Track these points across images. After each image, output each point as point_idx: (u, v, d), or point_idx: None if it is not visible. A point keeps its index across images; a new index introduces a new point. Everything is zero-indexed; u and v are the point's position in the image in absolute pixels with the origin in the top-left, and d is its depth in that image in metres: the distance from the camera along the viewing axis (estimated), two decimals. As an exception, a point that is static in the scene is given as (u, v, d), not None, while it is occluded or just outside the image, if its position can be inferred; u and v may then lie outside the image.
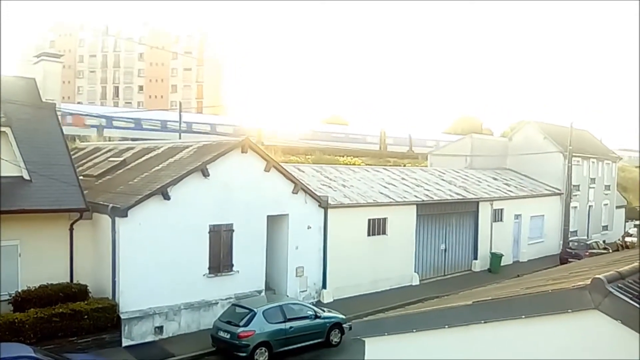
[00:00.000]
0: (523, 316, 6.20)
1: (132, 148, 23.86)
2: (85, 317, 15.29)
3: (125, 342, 16.14)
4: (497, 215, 30.71)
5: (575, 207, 37.42)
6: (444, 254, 27.72)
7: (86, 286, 16.45)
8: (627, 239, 32.48)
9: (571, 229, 35.53)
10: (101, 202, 16.94)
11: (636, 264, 6.49)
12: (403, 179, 28.83)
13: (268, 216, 19.80)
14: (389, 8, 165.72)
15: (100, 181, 19.93)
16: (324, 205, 21.52)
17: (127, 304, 16.23)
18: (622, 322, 5.20)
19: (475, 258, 29.42)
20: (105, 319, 15.68)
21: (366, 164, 40.51)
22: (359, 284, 22.74)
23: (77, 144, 31.01)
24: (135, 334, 16.39)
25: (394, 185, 26.97)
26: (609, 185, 43.42)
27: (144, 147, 23.30)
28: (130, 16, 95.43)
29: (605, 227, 42.41)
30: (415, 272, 25.68)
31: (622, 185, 52.52)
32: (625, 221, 44.63)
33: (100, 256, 16.95)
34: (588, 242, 32.82)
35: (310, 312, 17.09)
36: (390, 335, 8.19)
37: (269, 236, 19.92)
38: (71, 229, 16.68)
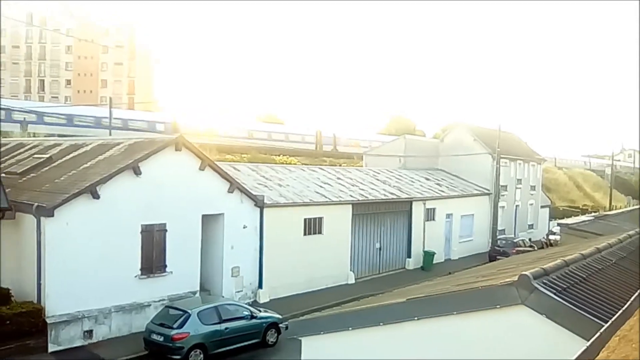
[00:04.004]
0: (454, 312, 6.39)
1: (59, 144, 22.85)
2: (8, 322, 14.53)
3: (51, 348, 15.44)
4: (430, 215, 31.50)
5: (503, 207, 38.93)
6: (379, 252, 28.17)
7: (8, 290, 15.67)
8: (551, 237, 34.02)
9: (499, 228, 36.99)
10: (25, 201, 16.15)
11: (559, 260, 6.82)
12: (339, 178, 29.08)
13: (203, 215, 19.48)
14: (323, 9, 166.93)
15: (24, 179, 18.97)
16: (260, 204, 21.39)
17: (54, 308, 15.52)
18: (546, 317, 5.45)
19: (409, 256, 30.06)
20: (29, 324, 14.94)
21: (302, 164, 40.55)
22: (295, 283, 22.75)
23: (-1, 140, 29.40)
24: (62, 339, 15.70)
25: (330, 185, 27.15)
26: (534, 186, 45.39)
27: (71, 143, 22.36)
28: (56, 7, 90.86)
29: (530, 226, 44.31)
30: (350, 270, 25.95)
31: (546, 186, 55.20)
32: (549, 220, 46.82)
33: (24, 258, 16.13)
34: (515, 240, 34.21)
35: (246, 313, 16.94)
36: (326, 334, 8.25)
37: (203, 236, 19.59)
38: (-8, 230, 15.86)
